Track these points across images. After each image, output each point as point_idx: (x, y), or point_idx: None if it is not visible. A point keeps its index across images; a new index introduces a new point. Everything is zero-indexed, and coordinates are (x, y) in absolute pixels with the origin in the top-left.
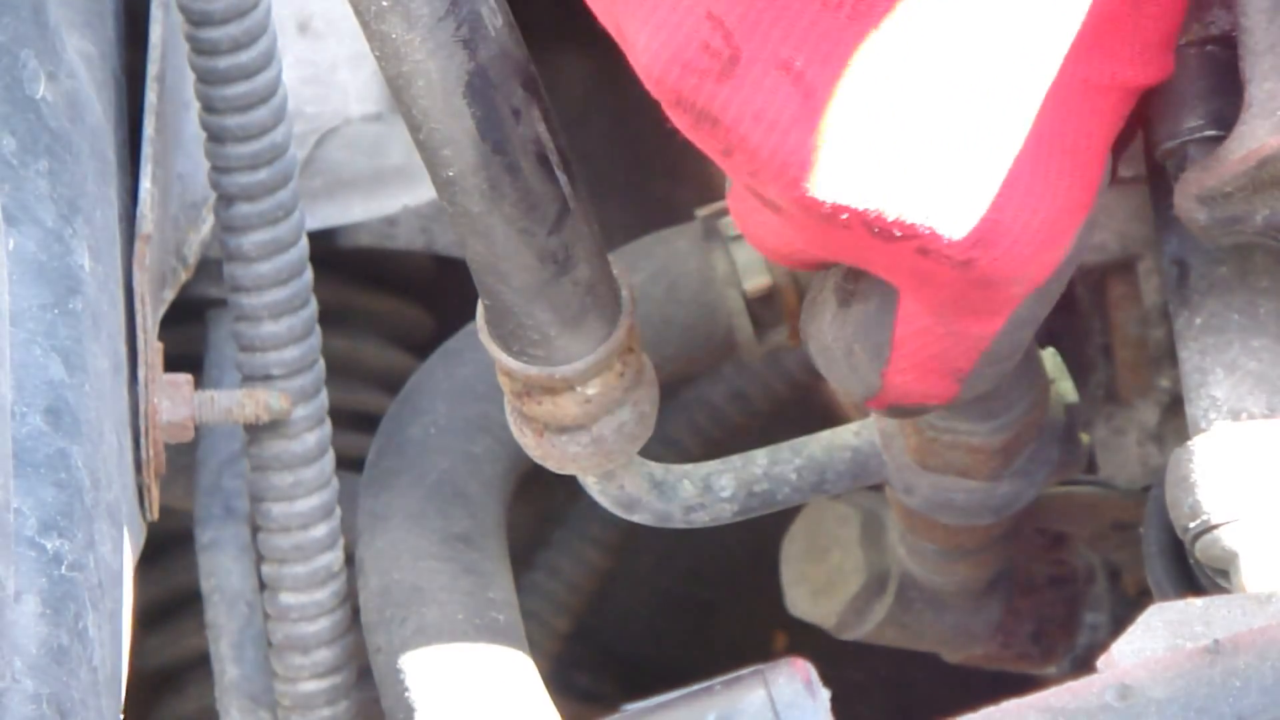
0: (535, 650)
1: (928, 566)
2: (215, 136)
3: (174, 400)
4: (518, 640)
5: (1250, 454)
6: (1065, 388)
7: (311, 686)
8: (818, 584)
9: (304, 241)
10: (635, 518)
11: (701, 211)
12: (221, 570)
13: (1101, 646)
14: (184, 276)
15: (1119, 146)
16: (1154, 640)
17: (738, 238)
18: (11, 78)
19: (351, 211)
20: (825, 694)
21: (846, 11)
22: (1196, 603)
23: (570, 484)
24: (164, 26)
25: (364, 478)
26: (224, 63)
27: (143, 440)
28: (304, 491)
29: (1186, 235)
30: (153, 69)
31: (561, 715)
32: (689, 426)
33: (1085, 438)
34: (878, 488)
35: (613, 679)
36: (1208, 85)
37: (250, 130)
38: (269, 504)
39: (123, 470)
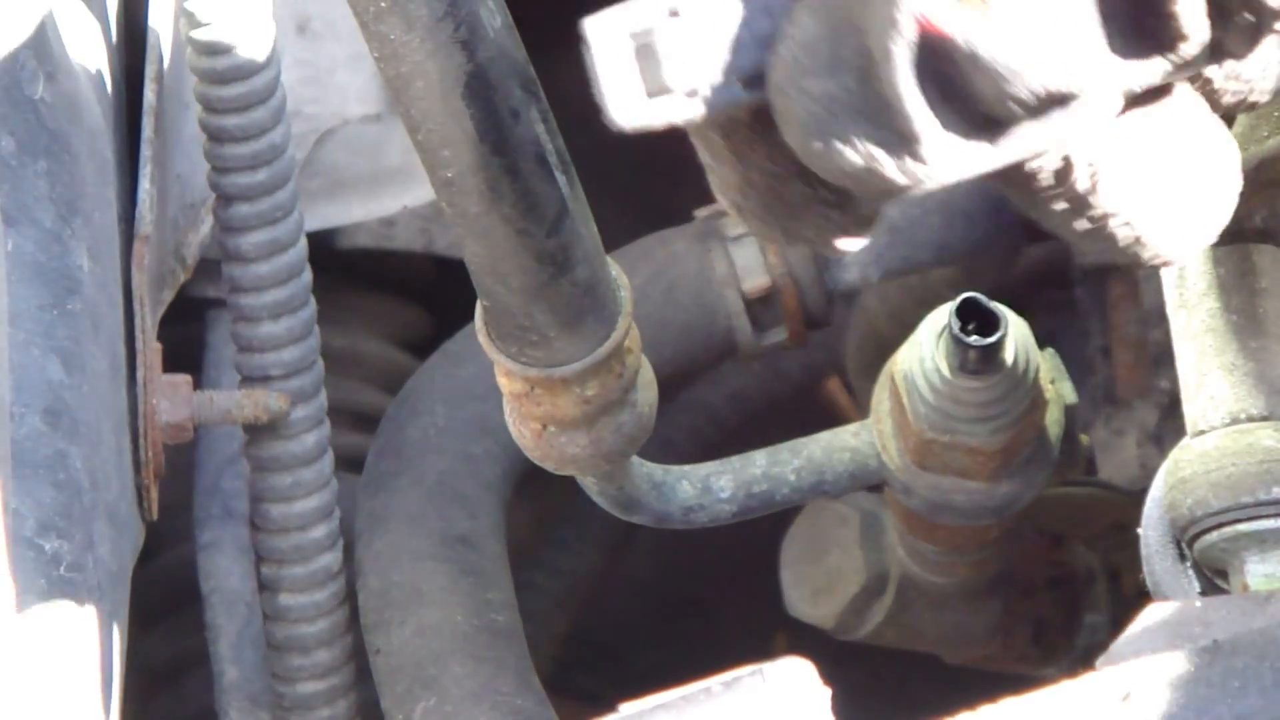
0: (534, 650)
1: (927, 568)
2: (214, 137)
3: (173, 401)
4: (517, 641)
5: (1248, 455)
6: (1065, 388)
7: (310, 687)
8: (817, 585)
9: (303, 242)
10: (634, 518)
11: (701, 212)
12: (220, 571)
13: (1101, 647)
14: (183, 277)
15: None
16: (1153, 640)
17: (737, 238)
18: (11, 78)
19: (350, 212)
20: (825, 694)
21: None
22: (1195, 603)
23: (569, 484)
24: (164, 26)
25: (363, 479)
26: (223, 63)
27: (141, 441)
28: (303, 492)
29: None
30: (151, 69)
31: (560, 715)
32: (688, 427)
33: (1084, 438)
34: (877, 489)
35: (612, 679)
36: None
37: (249, 131)
38: (268, 505)
39: (121, 471)
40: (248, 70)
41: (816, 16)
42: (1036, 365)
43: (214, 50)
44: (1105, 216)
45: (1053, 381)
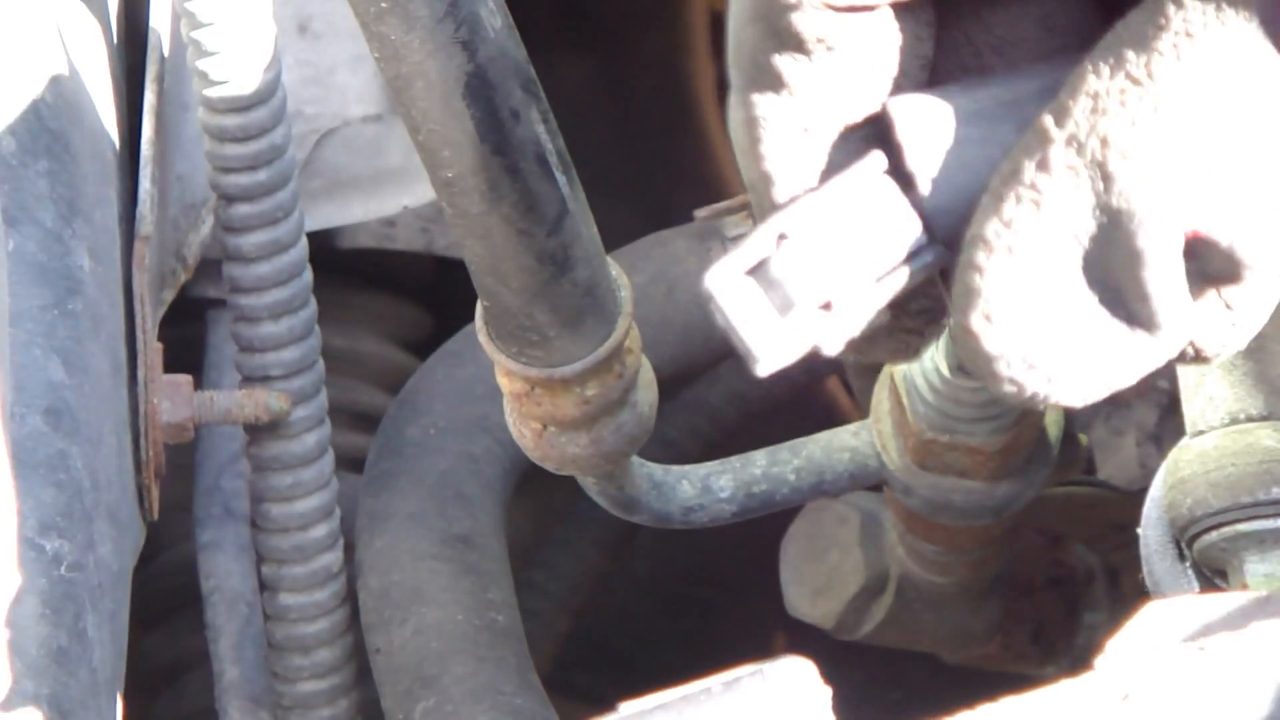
0: (535, 650)
1: (927, 567)
2: (215, 137)
3: (174, 401)
4: (517, 640)
5: (1247, 455)
6: None
7: (311, 687)
8: (817, 585)
9: (303, 242)
10: (634, 518)
11: (701, 212)
12: (221, 571)
13: (1100, 646)
14: (183, 277)
15: None
16: (1153, 640)
17: (737, 238)
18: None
19: (351, 212)
20: (825, 694)
21: None
22: (1195, 603)
23: (569, 484)
24: (164, 26)
25: (364, 478)
26: (223, 63)
27: (142, 441)
28: (303, 492)
29: None
30: (152, 69)
31: (561, 715)
32: (687, 427)
33: (1084, 438)
34: (877, 488)
35: (613, 679)
36: None
37: (250, 131)
38: (268, 505)
39: (122, 471)
40: (248, 71)
41: (1017, 260)
42: None
43: (215, 50)
44: None
45: None
